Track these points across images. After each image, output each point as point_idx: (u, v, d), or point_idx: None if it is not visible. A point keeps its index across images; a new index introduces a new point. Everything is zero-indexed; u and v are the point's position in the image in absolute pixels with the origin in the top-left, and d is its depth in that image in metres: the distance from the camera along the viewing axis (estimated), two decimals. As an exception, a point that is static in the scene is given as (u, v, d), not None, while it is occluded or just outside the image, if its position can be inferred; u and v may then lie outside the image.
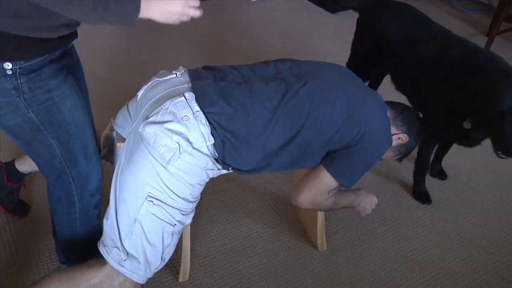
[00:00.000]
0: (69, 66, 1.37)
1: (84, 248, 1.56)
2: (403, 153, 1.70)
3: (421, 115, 1.83)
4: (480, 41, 3.51)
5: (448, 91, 1.90)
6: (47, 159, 1.39)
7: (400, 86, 2.23)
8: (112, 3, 1.09)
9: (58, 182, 1.44)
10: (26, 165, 1.75)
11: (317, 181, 1.53)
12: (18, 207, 1.88)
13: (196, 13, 1.20)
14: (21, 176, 1.78)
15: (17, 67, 1.18)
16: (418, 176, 2.22)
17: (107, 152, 1.67)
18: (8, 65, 1.17)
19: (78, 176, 1.43)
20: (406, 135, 1.63)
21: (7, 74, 1.18)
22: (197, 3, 1.20)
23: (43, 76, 1.24)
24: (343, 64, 2.34)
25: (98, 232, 1.52)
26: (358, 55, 2.41)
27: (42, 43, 1.20)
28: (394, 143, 1.63)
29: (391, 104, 1.66)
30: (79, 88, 1.43)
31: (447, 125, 1.96)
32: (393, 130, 1.62)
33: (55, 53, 1.26)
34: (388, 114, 1.61)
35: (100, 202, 1.55)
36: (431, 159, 2.24)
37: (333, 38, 3.55)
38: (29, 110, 1.25)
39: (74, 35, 1.34)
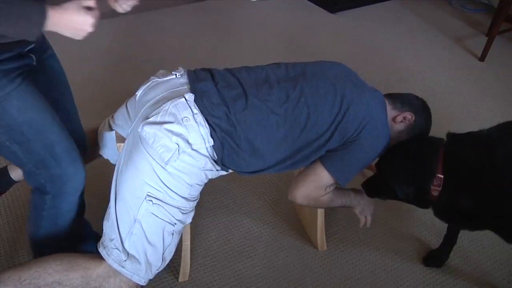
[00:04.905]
0: (30, 68, 1.31)
1: (42, 251, 1.47)
2: (416, 134, 1.62)
3: None
4: (480, 41, 3.51)
5: None
6: (13, 161, 1.34)
7: None
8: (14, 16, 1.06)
9: (30, 176, 1.38)
10: (19, 172, 1.63)
11: (314, 176, 1.52)
12: None
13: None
14: (9, 184, 1.68)
15: None
16: None
17: (106, 150, 1.67)
18: None
19: (50, 177, 1.36)
20: (410, 113, 1.58)
21: None
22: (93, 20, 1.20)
23: None
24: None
25: (62, 236, 1.44)
26: None
27: None
28: (402, 126, 1.58)
29: (389, 95, 1.64)
30: (56, 90, 1.37)
31: None
32: (395, 113, 1.58)
33: (1, 55, 1.20)
34: (387, 105, 1.58)
35: (80, 207, 1.47)
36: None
37: (333, 38, 3.55)
38: None
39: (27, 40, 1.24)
